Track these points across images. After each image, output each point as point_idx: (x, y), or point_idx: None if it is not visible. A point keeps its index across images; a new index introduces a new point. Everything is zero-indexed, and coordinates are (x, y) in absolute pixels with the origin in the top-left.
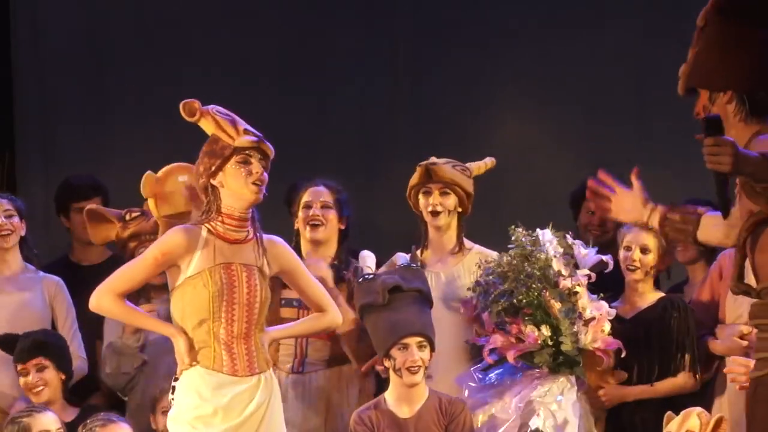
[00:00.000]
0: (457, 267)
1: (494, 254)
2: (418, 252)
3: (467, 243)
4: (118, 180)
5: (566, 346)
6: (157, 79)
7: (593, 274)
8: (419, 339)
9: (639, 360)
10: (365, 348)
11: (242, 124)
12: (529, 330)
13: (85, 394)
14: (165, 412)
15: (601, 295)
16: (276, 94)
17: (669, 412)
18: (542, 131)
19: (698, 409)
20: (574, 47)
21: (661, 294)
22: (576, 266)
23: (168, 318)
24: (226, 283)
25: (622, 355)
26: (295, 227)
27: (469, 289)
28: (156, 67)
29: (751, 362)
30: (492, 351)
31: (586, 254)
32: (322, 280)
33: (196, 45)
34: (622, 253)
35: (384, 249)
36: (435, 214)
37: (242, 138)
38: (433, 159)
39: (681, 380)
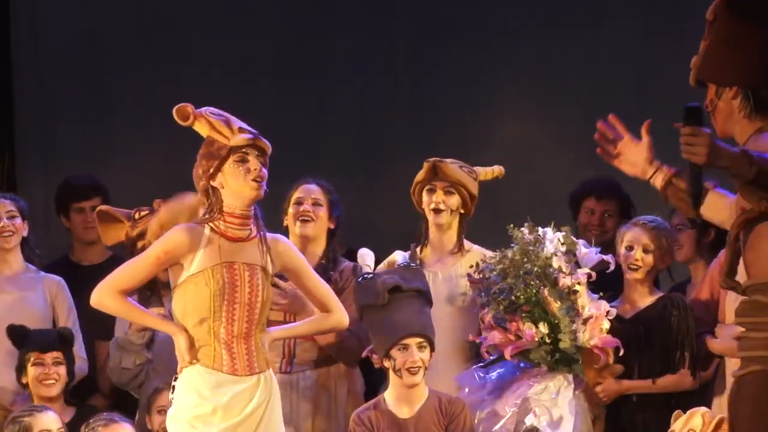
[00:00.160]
0: (455, 267)
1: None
2: (418, 250)
3: (466, 244)
4: (118, 180)
5: (564, 343)
6: (157, 79)
7: (593, 273)
8: (419, 339)
9: (640, 359)
10: (348, 351)
11: (236, 123)
12: (527, 327)
13: (84, 394)
14: (160, 411)
15: (602, 294)
16: (276, 94)
17: (678, 411)
18: (542, 131)
19: (703, 409)
20: (574, 47)
21: (661, 293)
22: (577, 265)
23: None
24: (227, 282)
25: (621, 354)
26: (285, 224)
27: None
28: (156, 67)
29: None
30: (490, 348)
31: (587, 253)
32: (297, 295)
33: (196, 45)
34: (622, 253)
35: (384, 249)
36: (437, 211)
37: (237, 137)
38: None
39: (680, 378)
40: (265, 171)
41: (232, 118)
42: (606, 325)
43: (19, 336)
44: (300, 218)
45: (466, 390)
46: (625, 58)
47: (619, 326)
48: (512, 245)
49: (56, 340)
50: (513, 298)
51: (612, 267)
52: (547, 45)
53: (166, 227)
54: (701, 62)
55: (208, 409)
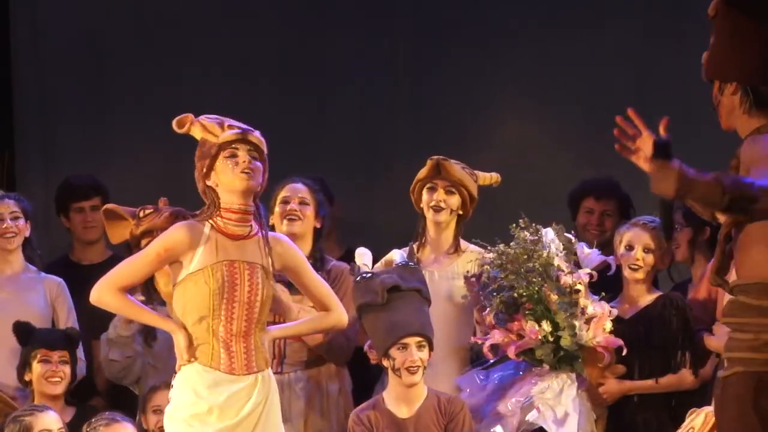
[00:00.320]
0: (451, 267)
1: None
2: (416, 248)
3: (462, 244)
4: (118, 180)
5: (566, 341)
6: (157, 79)
7: (595, 273)
8: (418, 339)
9: (640, 359)
10: (337, 350)
11: (228, 122)
12: (530, 325)
13: (83, 394)
14: (156, 411)
15: (603, 294)
16: (276, 94)
17: (693, 408)
18: (542, 131)
19: (708, 408)
20: (574, 47)
21: (660, 292)
22: (577, 265)
23: None
24: (227, 280)
25: (623, 353)
26: (271, 223)
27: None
28: (156, 67)
29: None
30: (492, 348)
31: (589, 254)
32: (278, 298)
33: (196, 45)
34: (622, 253)
35: (383, 249)
36: (437, 210)
37: (225, 133)
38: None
39: (681, 377)
40: (257, 163)
41: (227, 119)
42: (609, 325)
43: (25, 333)
44: (287, 217)
45: (467, 391)
46: (625, 58)
47: (618, 326)
48: (512, 243)
49: (63, 339)
50: (515, 294)
51: (613, 269)
52: (547, 45)
53: None
54: (707, 58)
55: (204, 408)
